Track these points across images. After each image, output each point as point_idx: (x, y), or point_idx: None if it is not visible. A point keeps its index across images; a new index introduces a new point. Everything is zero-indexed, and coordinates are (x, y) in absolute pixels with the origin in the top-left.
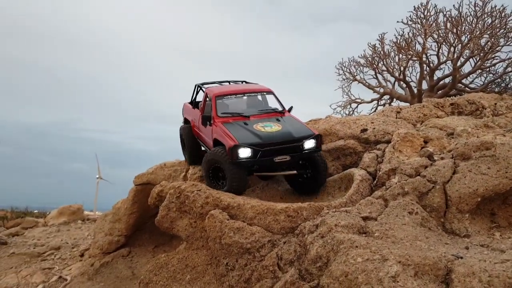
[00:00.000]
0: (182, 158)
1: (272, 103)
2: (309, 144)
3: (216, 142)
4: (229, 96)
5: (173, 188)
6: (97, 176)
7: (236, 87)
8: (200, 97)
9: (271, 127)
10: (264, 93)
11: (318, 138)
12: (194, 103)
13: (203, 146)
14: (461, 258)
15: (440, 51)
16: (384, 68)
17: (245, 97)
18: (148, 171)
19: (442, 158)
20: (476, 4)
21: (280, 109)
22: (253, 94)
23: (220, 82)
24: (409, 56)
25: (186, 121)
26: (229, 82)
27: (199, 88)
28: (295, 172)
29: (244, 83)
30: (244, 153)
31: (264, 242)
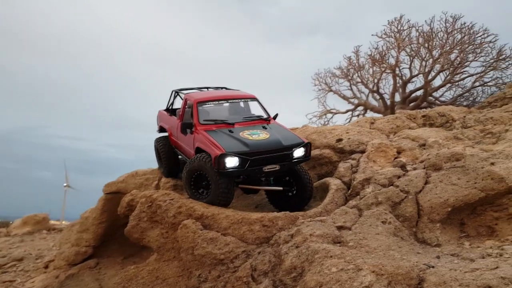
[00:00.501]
0: (155, 166)
1: (256, 110)
2: (299, 152)
3: (199, 151)
4: (211, 103)
5: (144, 197)
6: (65, 184)
7: (218, 93)
8: (177, 104)
9: (258, 135)
10: (248, 100)
11: (308, 146)
12: (170, 110)
13: (181, 156)
14: (433, 267)
15: (412, 64)
16: (358, 79)
17: (227, 104)
18: (118, 179)
19: (414, 169)
20: (447, 21)
21: (265, 116)
22: (236, 101)
23: (199, 88)
24: (383, 69)
25: (161, 129)
26: (207, 88)
27: (176, 94)
28: (280, 188)
29: (224, 89)
30: (232, 162)
31: (238, 252)
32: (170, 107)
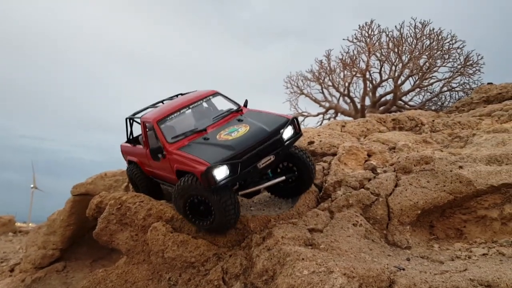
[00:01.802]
0: (124, 167)
1: (223, 105)
2: (288, 132)
3: (180, 174)
4: (171, 116)
5: (113, 199)
6: (32, 185)
7: (175, 103)
8: (137, 131)
9: (237, 131)
10: (210, 97)
11: (294, 121)
12: (133, 140)
13: (163, 185)
14: (403, 269)
15: (383, 69)
16: (330, 83)
17: (189, 110)
18: (87, 181)
19: (384, 171)
20: (416, 26)
21: (235, 107)
22: (197, 103)
23: (152, 105)
24: (354, 73)
25: (131, 163)
26: (162, 101)
27: (131, 122)
28: (283, 177)
29: (179, 96)
30: (221, 173)
31: (209, 255)
32: (131, 137)
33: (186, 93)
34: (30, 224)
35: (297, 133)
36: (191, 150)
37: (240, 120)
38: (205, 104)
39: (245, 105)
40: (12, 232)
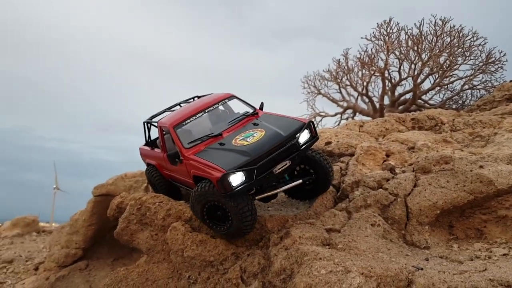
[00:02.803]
0: (143, 168)
1: (238, 108)
2: (304, 136)
3: (197, 179)
4: (188, 120)
5: (133, 200)
6: (54, 186)
7: (192, 107)
8: (154, 134)
9: (252, 136)
10: (226, 101)
11: (310, 125)
12: (151, 143)
13: (182, 188)
14: (422, 269)
15: (402, 67)
16: (347, 82)
17: (205, 115)
18: (108, 182)
19: (403, 172)
20: (436, 23)
21: (250, 110)
22: (213, 107)
23: (169, 109)
24: (372, 72)
25: (149, 165)
26: (179, 104)
27: (149, 125)
28: (300, 181)
29: (196, 98)
30: (237, 179)
31: (227, 254)
32: (149, 140)
33: (203, 96)
34: (53, 224)
35: (314, 136)
36: (207, 156)
37: (255, 124)
38: (221, 107)
39: (261, 108)
40: (36, 232)
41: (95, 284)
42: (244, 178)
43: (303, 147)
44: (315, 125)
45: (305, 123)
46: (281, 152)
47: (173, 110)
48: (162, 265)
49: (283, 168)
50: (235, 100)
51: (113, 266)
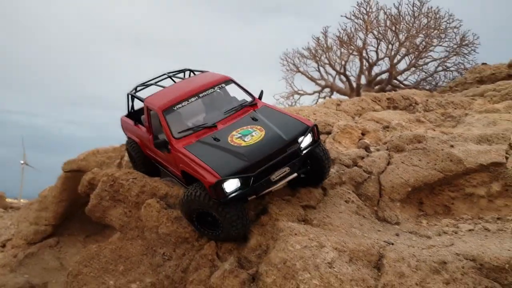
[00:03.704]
0: (117, 144)
1: (235, 93)
2: (307, 141)
3: (186, 175)
4: (180, 104)
5: (106, 176)
6: (22, 161)
7: (184, 88)
8: (138, 105)
9: (251, 136)
10: (223, 85)
11: (314, 129)
12: (134, 116)
13: (165, 170)
14: (392, 244)
15: (379, 47)
16: (326, 61)
17: (199, 100)
18: (79, 157)
19: (377, 150)
20: (414, 4)
21: (249, 99)
22: (208, 92)
23: (157, 82)
24: (350, 51)
25: (132, 140)
26: (169, 77)
27: (133, 98)
28: (295, 174)
29: (188, 72)
30: (232, 186)
31: None
32: (132, 111)
33: (196, 71)
34: (22, 200)
35: (316, 141)
36: (199, 152)
37: (254, 119)
38: (217, 91)
39: (260, 97)
40: (3, 208)
41: (66, 261)
42: (239, 185)
43: (304, 152)
44: (319, 129)
45: (309, 127)
46: (281, 159)
47: (162, 86)
48: (136, 242)
49: (281, 175)
50: (232, 85)
51: (85, 243)
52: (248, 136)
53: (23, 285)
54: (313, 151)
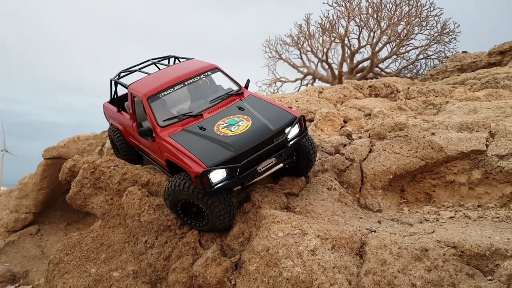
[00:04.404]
0: (97, 131)
1: (221, 81)
2: (294, 132)
3: (170, 164)
4: (165, 92)
5: (87, 163)
6: (2, 148)
7: (170, 75)
8: (121, 92)
9: (238, 125)
10: (209, 73)
11: (301, 120)
12: (117, 103)
13: (149, 158)
14: (374, 231)
15: (361, 35)
16: (308, 48)
17: (185, 87)
18: (59, 144)
19: (359, 137)
20: None
21: (235, 88)
22: (194, 80)
23: (141, 68)
24: (333, 38)
25: (114, 126)
26: (154, 63)
27: (117, 84)
28: (281, 165)
29: (174, 60)
30: (218, 176)
31: None
32: (115, 97)
33: (181, 58)
34: (2, 188)
35: (303, 132)
36: (185, 142)
37: (241, 109)
38: (203, 79)
39: (247, 86)
40: None
41: (47, 249)
42: (225, 175)
43: (291, 143)
44: (305, 120)
45: (297, 117)
46: (268, 149)
47: (145, 73)
48: (118, 230)
49: (268, 166)
50: (218, 73)
51: (66, 231)
52: (235, 126)
53: (4, 273)
54: (300, 142)
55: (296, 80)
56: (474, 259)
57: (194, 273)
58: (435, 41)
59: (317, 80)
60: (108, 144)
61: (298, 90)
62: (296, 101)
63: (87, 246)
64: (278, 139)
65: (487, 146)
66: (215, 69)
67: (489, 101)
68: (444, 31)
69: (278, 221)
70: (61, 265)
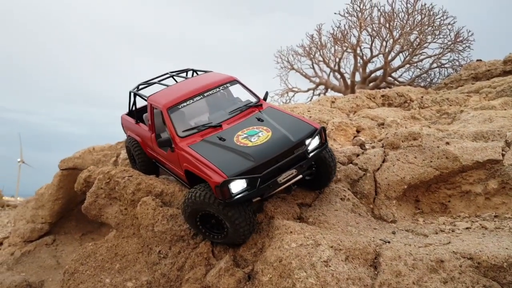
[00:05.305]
0: (112, 142)
1: (239, 94)
2: (314, 143)
3: (190, 174)
4: (184, 103)
5: (102, 174)
6: (19, 159)
7: (189, 87)
8: (141, 101)
9: (258, 136)
10: (227, 85)
11: (322, 131)
12: (135, 116)
13: (166, 169)
14: (389, 242)
15: (373, 44)
16: (320, 58)
17: (203, 99)
18: (75, 155)
19: (373, 147)
20: (408, 1)
21: (254, 100)
22: (213, 91)
23: (160, 80)
24: (344, 48)
25: (132, 138)
26: (171, 76)
27: (135, 96)
28: (300, 176)
29: (192, 73)
30: (238, 186)
31: None
32: (133, 108)
33: (199, 71)
34: (18, 199)
35: (323, 143)
36: (204, 152)
37: (260, 120)
38: (221, 91)
39: (265, 98)
40: (0, 206)
41: (62, 259)
42: (245, 186)
43: (311, 155)
44: (326, 131)
45: (317, 129)
46: (288, 160)
47: (165, 85)
48: (132, 240)
49: (288, 177)
50: (237, 85)
51: (81, 241)
52: (255, 136)
53: (20, 283)
54: (320, 154)
55: (308, 90)
56: (491, 270)
57: (207, 283)
58: (449, 49)
59: (329, 90)
60: (122, 155)
61: (310, 100)
62: (309, 111)
63: (101, 256)
64: (298, 150)
65: (503, 155)
66: (234, 81)
67: (505, 109)
68: (458, 40)
69: (291, 232)
70: (76, 275)
